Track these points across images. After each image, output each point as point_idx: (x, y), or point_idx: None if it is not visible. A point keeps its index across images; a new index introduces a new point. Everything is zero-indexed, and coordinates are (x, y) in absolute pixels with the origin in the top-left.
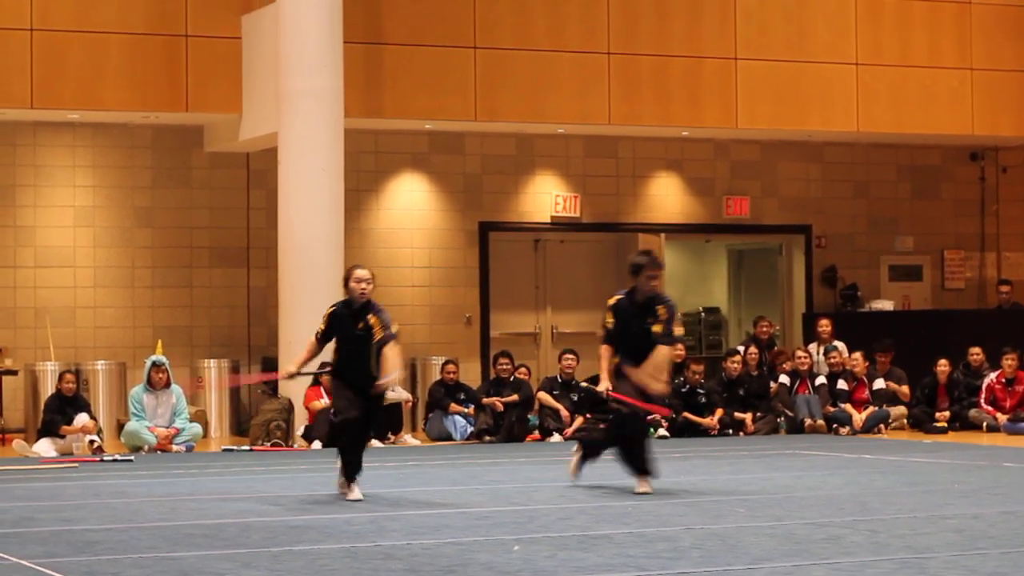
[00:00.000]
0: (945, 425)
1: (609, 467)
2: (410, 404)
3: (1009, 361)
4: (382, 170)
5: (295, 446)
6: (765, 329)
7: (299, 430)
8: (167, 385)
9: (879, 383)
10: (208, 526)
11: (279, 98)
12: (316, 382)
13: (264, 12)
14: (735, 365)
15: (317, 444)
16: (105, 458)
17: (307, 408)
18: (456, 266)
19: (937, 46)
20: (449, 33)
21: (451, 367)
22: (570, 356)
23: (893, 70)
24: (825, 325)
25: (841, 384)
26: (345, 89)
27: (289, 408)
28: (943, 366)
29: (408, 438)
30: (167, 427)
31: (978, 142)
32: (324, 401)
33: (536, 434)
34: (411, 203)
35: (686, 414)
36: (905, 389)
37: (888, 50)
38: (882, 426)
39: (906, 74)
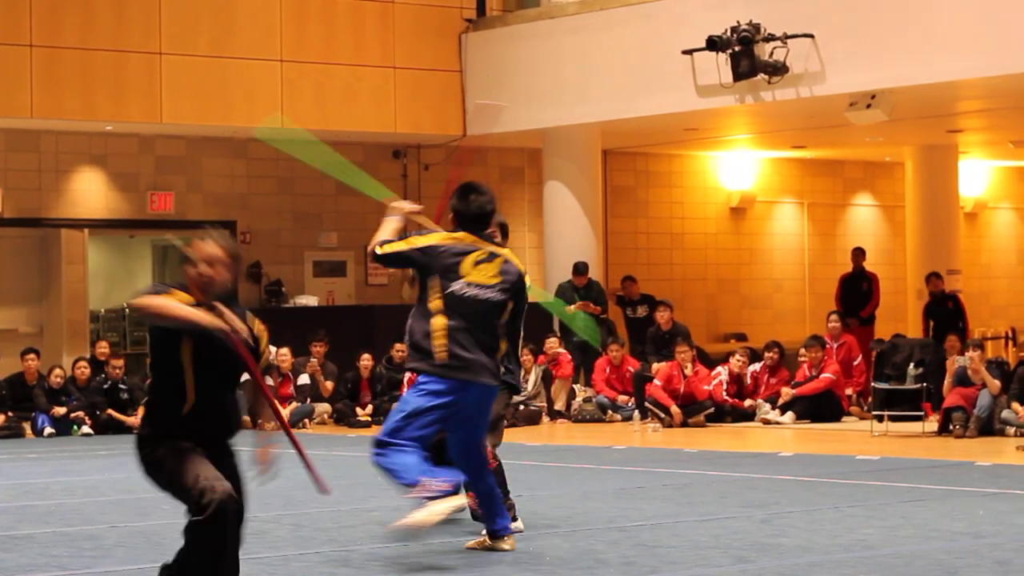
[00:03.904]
0: (369, 419)
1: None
2: None
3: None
4: None
5: None
6: None
7: None
8: None
9: (304, 379)
10: None
11: None
12: None
13: None
14: None
15: None
16: None
17: None
18: None
19: (361, 44)
20: None
21: None
22: None
23: (317, 67)
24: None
25: (267, 380)
26: None
27: None
28: (366, 360)
29: None
30: None
31: (401, 139)
32: None
33: None
34: None
35: (110, 411)
36: (329, 385)
37: (312, 47)
38: (307, 421)
39: (330, 71)
